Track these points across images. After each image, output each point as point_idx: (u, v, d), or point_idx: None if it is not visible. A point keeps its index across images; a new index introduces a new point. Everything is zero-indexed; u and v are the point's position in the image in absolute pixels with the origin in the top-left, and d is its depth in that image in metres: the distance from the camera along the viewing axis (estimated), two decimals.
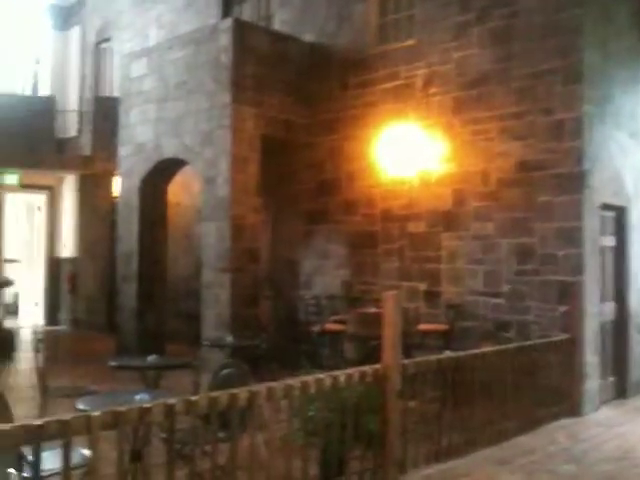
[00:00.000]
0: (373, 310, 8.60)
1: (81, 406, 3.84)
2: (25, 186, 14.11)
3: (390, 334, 4.96)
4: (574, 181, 7.44)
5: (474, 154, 8.26)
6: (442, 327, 8.17)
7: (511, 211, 7.92)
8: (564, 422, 6.88)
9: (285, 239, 10.20)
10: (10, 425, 2.82)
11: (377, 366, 4.88)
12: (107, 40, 14.91)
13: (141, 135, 10.47)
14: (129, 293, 10.68)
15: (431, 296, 8.64)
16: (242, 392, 3.91)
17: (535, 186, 7.73)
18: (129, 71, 10.87)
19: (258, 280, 9.50)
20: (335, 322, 8.93)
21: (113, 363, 5.84)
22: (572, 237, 7.44)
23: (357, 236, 9.43)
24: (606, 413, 7.45)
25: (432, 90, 8.68)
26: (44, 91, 16.37)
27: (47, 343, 6.35)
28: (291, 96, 9.82)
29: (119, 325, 10.92)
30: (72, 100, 15.65)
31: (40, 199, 15.86)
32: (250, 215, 9.32)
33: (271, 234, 9.74)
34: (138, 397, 4.01)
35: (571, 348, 7.20)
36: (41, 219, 15.90)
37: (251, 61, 9.39)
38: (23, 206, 16.77)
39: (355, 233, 9.45)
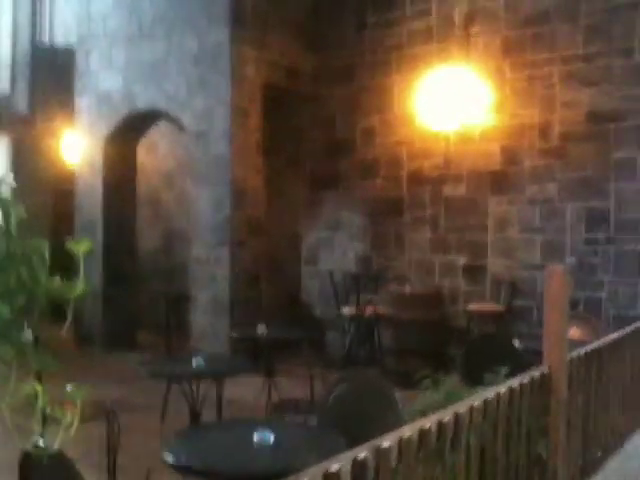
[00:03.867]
0: (408, 289, 7.29)
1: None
2: None
3: (556, 323, 3.59)
4: None
5: (530, 104, 7.00)
6: (496, 307, 6.91)
7: (579, 170, 6.73)
8: None
9: (286, 208, 8.66)
10: None
11: (542, 369, 3.52)
12: None
13: (105, 83, 8.62)
14: (91, 271, 8.84)
15: (473, 271, 7.37)
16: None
17: (610, 140, 6.56)
18: (88, 7, 8.94)
19: (260, 255, 7.94)
20: (357, 304, 7.51)
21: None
22: None
23: (377, 203, 8.02)
24: None
25: (475, 29, 7.34)
26: None
27: None
28: (297, 38, 8.24)
29: (78, 311, 9.07)
30: (2, 51, 13.34)
31: None
32: (252, 178, 7.74)
33: (270, 202, 8.19)
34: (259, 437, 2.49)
35: None
36: None
37: None
38: None
39: (374, 199, 8.04)
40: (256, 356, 6.68)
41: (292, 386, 5.93)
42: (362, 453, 2.09)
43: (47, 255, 1.18)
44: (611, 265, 6.55)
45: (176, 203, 10.04)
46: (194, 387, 4.05)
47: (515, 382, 3.22)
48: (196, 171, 7.87)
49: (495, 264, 7.24)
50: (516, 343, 4.57)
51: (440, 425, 2.53)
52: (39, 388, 1.15)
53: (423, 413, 3.50)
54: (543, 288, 6.88)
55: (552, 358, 3.55)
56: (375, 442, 2.22)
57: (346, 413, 3.06)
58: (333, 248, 8.36)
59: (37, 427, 1.17)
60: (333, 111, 8.30)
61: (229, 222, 7.52)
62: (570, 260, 6.79)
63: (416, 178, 7.70)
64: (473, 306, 7.01)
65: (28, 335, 1.13)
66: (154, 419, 5.23)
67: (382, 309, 6.96)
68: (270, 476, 2.23)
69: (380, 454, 2.18)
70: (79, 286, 1.20)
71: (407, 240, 7.80)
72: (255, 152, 7.75)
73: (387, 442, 2.22)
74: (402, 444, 2.30)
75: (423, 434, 2.42)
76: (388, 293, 7.23)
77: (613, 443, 4.74)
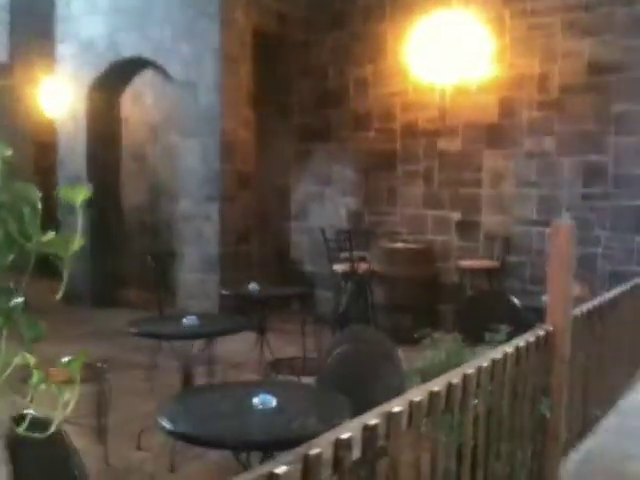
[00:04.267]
0: (400, 245, 7.16)
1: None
2: None
3: (561, 281, 3.48)
4: None
5: (529, 54, 6.78)
6: (489, 264, 6.81)
7: (578, 123, 6.56)
8: None
9: (275, 161, 8.44)
10: None
11: (546, 327, 3.41)
12: None
13: (88, 29, 8.26)
14: (75, 227, 8.61)
15: (467, 227, 7.24)
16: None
17: (610, 92, 6.38)
18: None
19: (249, 211, 7.76)
20: (345, 260, 7.36)
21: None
22: None
23: (369, 156, 7.82)
24: None
25: None
26: None
27: None
28: None
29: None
30: None
31: None
32: (242, 130, 7.51)
33: (258, 155, 7.96)
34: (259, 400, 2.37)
35: None
36: None
37: None
38: None
39: (366, 152, 7.84)
40: (246, 314, 6.57)
41: (285, 344, 5.83)
42: (373, 420, 1.98)
43: (39, 204, 1.02)
44: (607, 221, 6.45)
45: (162, 157, 9.75)
46: (186, 346, 3.92)
47: (521, 341, 3.11)
48: (184, 123, 7.61)
49: (489, 220, 7.11)
50: (514, 300, 4.46)
51: (449, 387, 2.42)
52: (32, 361, 1.00)
53: (424, 372, 3.40)
54: (538, 244, 6.83)
55: (556, 317, 3.45)
56: (385, 407, 2.11)
57: (347, 373, 2.95)
58: (323, 203, 8.19)
59: (30, 405, 1.02)
60: (324, 60, 8.03)
61: (218, 177, 7.32)
62: (565, 215, 6.68)
63: (410, 131, 7.50)
64: (466, 262, 6.90)
65: (18, 299, 0.97)
66: (143, 378, 5.12)
67: (374, 265, 6.83)
68: (275, 442, 2.11)
69: (391, 419, 2.06)
70: (76, 241, 1.03)
71: (400, 195, 7.64)
72: (246, 103, 7.50)
73: (398, 407, 2.11)
74: (412, 408, 2.18)
75: (433, 397, 2.31)
76: (380, 249, 7.09)
77: (610, 401, 4.71)
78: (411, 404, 2.17)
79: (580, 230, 6.59)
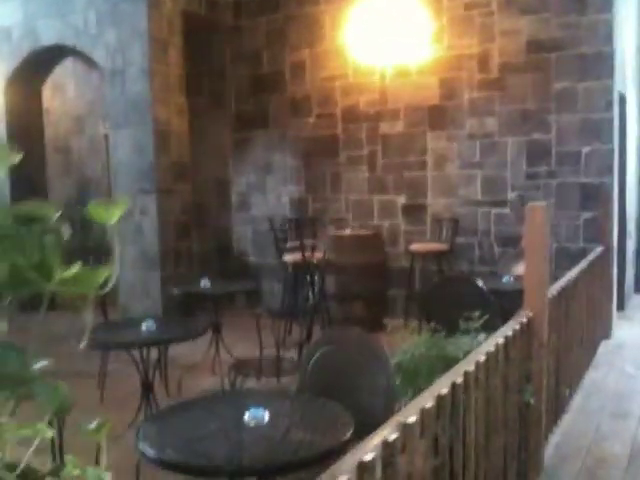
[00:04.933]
0: (348, 232, 7.02)
1: None
2: None
3: (538, 264, 3.39)
4: (602, 62, 6.19)
5: (468, 33, 6.71)
6: (439, 247, 6.75)
7: (520, 102, 6.55)
8: None
9: (211, 151, 8.11)
10: None
11: (525, 313, 3.31)
12: None
13: (3, 18, 7.66)
14: None
15: (413, 210, 7.16)
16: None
17: (550, 70, 6.40)
18: None
19: (188, 204, 7.42)
20: (293, 249, 7.15)
21: None
22: (599, 130, 6.26)
23: (310, 142, 7.61)
24: None
25: None
26: None
27: None
28: None
29: None
30: None
31: None
32: (175, 119, 7.15)
33: (193, 145, 7.61)
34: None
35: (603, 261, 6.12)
36: None
37: None
38: None
39: (307, 139, 7.62)
40: (194, 312, 6.28)
41: (238, 341, 5.60)
42: (392, 434, 1.80)
43: (65, 230, 0.77)
44: (553, 199, 6.48)
45: (89, 149, 9.26)
46: (144, 355, 3.63)
47: (508, 330, 3.00)
48: (112, 114, 7.18)
49: (435, 202, 7.05)
50: (480, 284, 4.37)
51: (454, 387, 2.27)
52: (51, 433, 0.76)
53: (403, 367, 3.25)
54: (484, 225, 6.81)
55: (534, 301, 3.36)
56: (398, 418, 1.93)
57: (331, 376, 2.75)
58: (265, 192, 7.93)
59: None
60: (258, 45, 7.74)
61: (153, 169, 6.95)
62: (512, 196, 6.69)
63: (351, 115, 7.33)
64: (416, 246, 6.81)
65: (38, 363, 0.72)
66: (93, 389, 4.77)
67: (322, 254, 6.65)
68: (280, 467, 1.90)
69: (406, 430, 1.89)
70: (104, 272, 0.79)
71: (344, 181, 7.47)
72: (178, 91, 7.14)
73: (412, 417, 1.93)
74: (424, 415, 2.01)
75: (440, 400, 2.15)
76: (327, 237, 6.92)
77: (576, 380, 4.71)
78: (423, 411, 2.01)
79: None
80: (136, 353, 3.65)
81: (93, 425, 0.84)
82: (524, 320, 3.17)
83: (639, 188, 8.52)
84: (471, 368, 2.41)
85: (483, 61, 6.66)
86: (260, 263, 7.87)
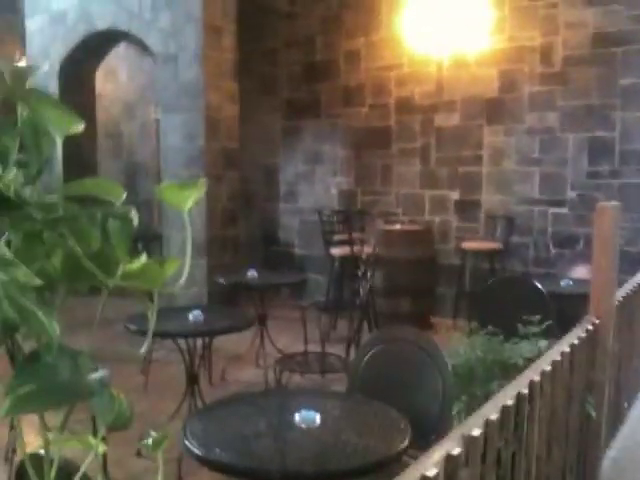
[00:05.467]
0: (398, 227, 6.86)
1: None
2: None
3: (607, 268, 3.18)
4: None
5: (530, 25, 6.45)
6: (492, 245, 6.53)
7: (583, 97, 6.27)
8: None
9: (261, 138, 8.02)
10: None
11: (591, 319, 3.11)
12: None
13: (59, 1, 7.70)
14: None
15: (466, 206, 6.95)
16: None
17: (617, 65, 6.10)
18: None
19: (236, 191, 7.35)
20: (341, 243, 7.01)
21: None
22: None
23: (362, 133, 7.45)
24: None
25: None
26: None
27: None
28: None
29: None
30: None
31: None
32: (227, 105, 7.06)
33: (243, 132, 7.52)
34: None
35: None
36: None
37: None
38: None
39: (359, 129, 7.47)
40: (239, 302, 6.21)
41: (283, 334, 5.51)
42: (455, 448, 1.66)
43: (133, 214, 0.68)
44: (615, 199, 6.18)
45: (139, 134, 9.28)
46: (190, 345, 3.55)
47: (573, 337, 2.82)
48: (164, 99, 7.14)
49: (489, 199, 6.82)
50: (539, 286, 4.17)
51: (519, 397, 2.11)
52: (103, 449, 0.65)
53: (458, 371, 3.09)
54: (540, 224, 6.57)
55: (601, 307, 3.16)
56: (462, 430, 1.79)
57: (384, 376, 2.62)
58: (313, 183, 7.82)
59: None
60: (313, 31, 7.60)
61: (203, 155, 6.88)
62: (572, 195, 6.42)
63: (405, 106, 7.15)
64: (468, 244, 6.61)
65: (98, 372, 0.62)
66: (137, 375, 4.74)
67: (372, 248, 6.51)
68: (331, 474, 1.78)
69: (470, 444, 1.75)
70: (173, 264, 0.69)
71: (395, 174, 7.30)
72: (230, 77, 7.05)
73: (476, 430, 1.79)
74: (489, 427, 1.87)
75: (505, 411, 2.00)
76: (376, 231, 6.76)
77: (635, 389, 4.48)
78: (487, 423, 1.86)
79: (585, 209, 6.38)
80: (182, 342, 3.57)
81: (149, 440, 0.73)
82: (590, 327, 2.98)
83: None
84: (537, 378, 2.25)
85: (545, 54, 6.40)
86: (306, 255, 7.77)
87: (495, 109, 6.69)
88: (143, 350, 0.87)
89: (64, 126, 0.67)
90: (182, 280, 0.70)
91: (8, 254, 0.53)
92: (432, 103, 6.98)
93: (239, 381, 4.77)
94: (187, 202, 0.71)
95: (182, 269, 0.81)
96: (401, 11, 6.96)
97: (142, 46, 7.52)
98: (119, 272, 0.64)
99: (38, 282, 0.55)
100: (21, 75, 0.65)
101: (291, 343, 5.34)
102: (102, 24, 7.44)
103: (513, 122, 6.61)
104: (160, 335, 3.44)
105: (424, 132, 7.07)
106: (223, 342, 4.97)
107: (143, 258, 0.66)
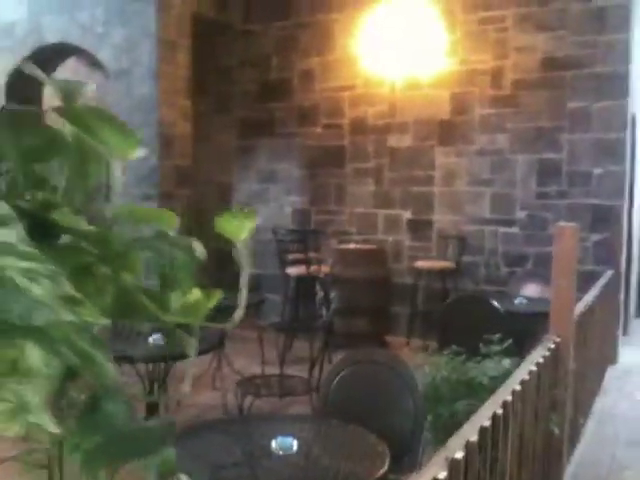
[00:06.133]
0: (353, 246, 6.88)
1: None
2: None
3: (566, 288, 3.26)
4: (618, 82, 6.11)
5: (482, 48, 6.62)
6: (445, 264, 6.62)
7: (532, 120, 6.45)
8: None
9: (215, 156, 7.96)
10: None
11: (552, 338, 3.17)
12: None
13: (7, 13, 7.50)
14: None
15: (419, 226, 7.03)
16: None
17: (565, 89, 6.31)
18: None
19: (190, 210, 7.25)
20: (297, 262, 6.98)
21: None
22: (613, 152, 6.17)
23: (316, 153, 7.47)
24: None
25: None
26: None
27: None
28: None
29: None
30: None
31: None
32: (181, 122, 6.99)
33: (197, 150, 7.45)
34: None
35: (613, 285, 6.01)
36: None
37: None
38: None
39: (313, 149, 7.49)
40: None
41: (240, 355, 5.44)
42: (441, 472, 1.65)
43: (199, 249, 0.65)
44: (563, 219, 6.36)
45: None
46: (149, 369, 3.46)
47: (538, 356, 2.86)
48: (116, 114, 7.00)
49: (442, 218, 6.92)
50: (496, 304, 4.24)
51: (494, 418, 2.12)
52: None
53: (425, 391, 3.10)
54: (491, 243, 6.68)
55: (562, 326, 3.23)
56: (446, 452, 1.78)
57: (355, 398, 2.60)
58: (268, 202, 7.78)
59: None
60: (267, 50, 7.61)
61: (156, 172, 6.78)
62: (521, 215, 6.58)
63: (359, 127, 7.21)
64: (421, 263, 6.68)
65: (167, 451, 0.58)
66: None
67: (327, 267, 6.50)
68: None
69: (454, 466, 1.74)
70: (216, 296, 0.67)
71: (349, 193, 7.34)
72: (184, 93, 6.99)
73: (459, 452, 1.79)
74: (469, 449, 1.87)
75: (483, 433, 2.00)
76: (330, 250, 6.77)
77: (589, 406, 4.58)
78: (467, 445, 1.87)
79: (534, 229, 6.54)
80: (141, 366, 3.48)
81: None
82: (552, 346, 3.03)
83: None
84: (509, 397, 2.27)
85: (496, 77, 6.57)
86: (260, 274, 7.70)
87: (447, 131, 6.81)
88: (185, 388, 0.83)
89: (124, 150, 0.63)
90: (239, 314, 0.67)
91: (75, 292, 0.50)
92: (385, 124, 7.07)
93: (196, 405, 4.66)
94: (242, 232, 0.68)
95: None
96: (355, 33, 7.05)
97: (92, 60, 7.38)
98: (174, 307, 0.60)
99: (106, 322, 0.51)
100: (73, 91, 0.61)
101: (248, 364, 5.28)
102: (53, 37, 7.28)
103: (464, 143, 6.75)
104: (119, 360, 3.33)
105: (377, 152, 7.14)
106: (178, 364, 4.87)
107: (197, 291, 0.63)
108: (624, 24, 6.05)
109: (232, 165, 7.96)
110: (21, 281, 0.45)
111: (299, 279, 6.41)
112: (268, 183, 7.75)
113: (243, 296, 0.69)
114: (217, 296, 0.67)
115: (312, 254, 6.75)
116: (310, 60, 7.38)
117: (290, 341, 5.80)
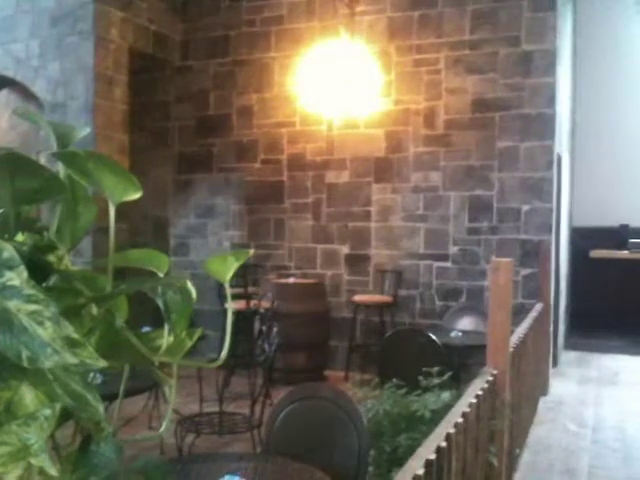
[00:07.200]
0: (292, 280, 6.92)
1: None
2: None
3: (502, 322, 3.37)
4: (544, 123, 6.43)
5: (416, 89, 6.85)
6: (383, 298, 6.72)
7: (464, 158, 6.70)
8: None
9: (151, 191, 7.87)
10: None
11: (490, 371, 3.27)
12: None
13: None
14: None
15: (356, 260, 7.13)
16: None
17: (494, 129, 6.59)
18: None
19: (124, 245, 7.13)
20: (236, 297, 6.95)
21: None
22: (540, 189, 6.46)
23: (255, 188, 7.51)
24: None
25: (360, 8, 7.04)
26: None
27: None
28: (166, 1, 7.48)
29: None
30: None
31: None
32: (117, 157, 6.89)
33: None
34: None
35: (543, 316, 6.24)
36: None
37: None
38: None
39: (252, 184, 7.53)
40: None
41: (178, 394, 5.34)
42: None
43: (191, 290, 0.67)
44: (493, 254, 6.59)
45: None
46: None
47: (477, 389, 2.95)
48: (49, 148, 6.87)
49: (378, 253, 7.05)
50: (434, 337, 4.33)
51: (439, 451, 2.18)
52: None
53: (369, 424, 3.13)
54: (425, 278, 6.83)
55: (498, 360, 3.34)
56: None
57: (300, 435, 2.61)
58: (206, 236, 7.75)
59: None
60: (206, 86, 7.65)
61: None
62: (454, 250, 6.77)
63: (297, 163, 7.30)
64: (359, 297, 6.76)
65: None
66: None
67: (267, 302, 6.50)
68: None
69: None
70: (196, 335, 0.70)
71: (287, 228, 7.39)
72: (121, 128, 6.94)
73: None
74: None
75: (429, 466, 2.05)
76: (269, 284, 6.78)
77: (523, 438, 4.70)
78: (415, 479, 1.90)
79: (466, 263, 6.74)
80: None
81: None
82: (490, 378, 3.13)
83: (569, 246, 8.83)
84: (452, 430, 2.33)
85: (429, 117, 6.80)
86: (197, 309, 7.61)
87: (383, 168, 6.98)
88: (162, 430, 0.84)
89: (120, 192, 0.65)
90: (224, 353, 0.70)
91: (75, 334, 0.51)
92: (323, 160, 7.19)
93: (133, 445, 4.54)
94: (228, 273, 0.71)
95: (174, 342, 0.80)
96: (293, 71, 7.18)
97: (26, 93, 7.25)
98: (163, 348, 0.62)
99: (104, 364, 0.53)
100: (67, 136, 0.63)
101: (185, 402, 5.20)
102: None
103: (400, 181, 6.92)
104: None
105: (316, 188, 7.24)
106: (113, 404, 4.75)
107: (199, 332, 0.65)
108: (550, 68, 6.38)
109: (169, 200, 7.90)
110: (29, 324, 0.46)
111: (238, 314, 6.37)
112: (206, 218, 7.73)
113: (228, 334, 0.72)
114: (197, 336, 0.69)
115: (251, 289, 6.75)
116: (248, 96, 7.46)
117: (228, 378, 5.75)
